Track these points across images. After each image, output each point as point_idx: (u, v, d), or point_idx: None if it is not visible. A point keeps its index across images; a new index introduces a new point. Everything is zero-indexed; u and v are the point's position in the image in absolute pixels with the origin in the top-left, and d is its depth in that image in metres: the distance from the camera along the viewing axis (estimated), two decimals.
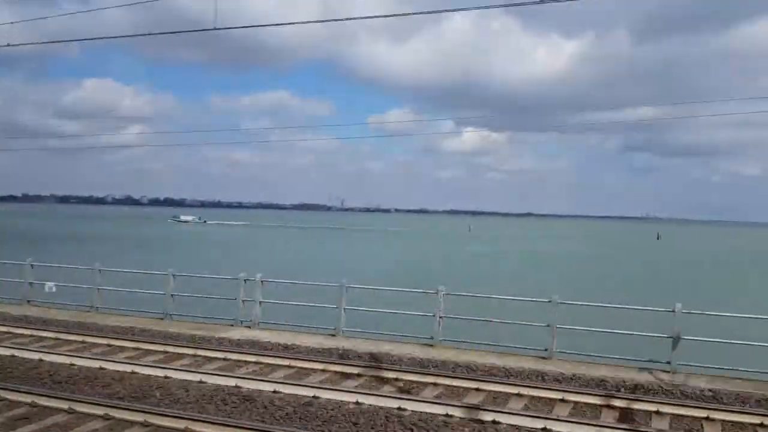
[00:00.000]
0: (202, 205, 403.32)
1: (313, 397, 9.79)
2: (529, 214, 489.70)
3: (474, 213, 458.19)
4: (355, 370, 11.52)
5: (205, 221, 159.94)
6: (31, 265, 18.37)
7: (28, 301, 18.13)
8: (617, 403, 9.84)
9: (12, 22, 15.15)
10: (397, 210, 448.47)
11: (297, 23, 11.56)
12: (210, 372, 11.01)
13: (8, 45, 15.06)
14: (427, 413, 9.02)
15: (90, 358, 11.78)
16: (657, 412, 9.50)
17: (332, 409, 9.21)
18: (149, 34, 18.41)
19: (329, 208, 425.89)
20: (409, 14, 10.75)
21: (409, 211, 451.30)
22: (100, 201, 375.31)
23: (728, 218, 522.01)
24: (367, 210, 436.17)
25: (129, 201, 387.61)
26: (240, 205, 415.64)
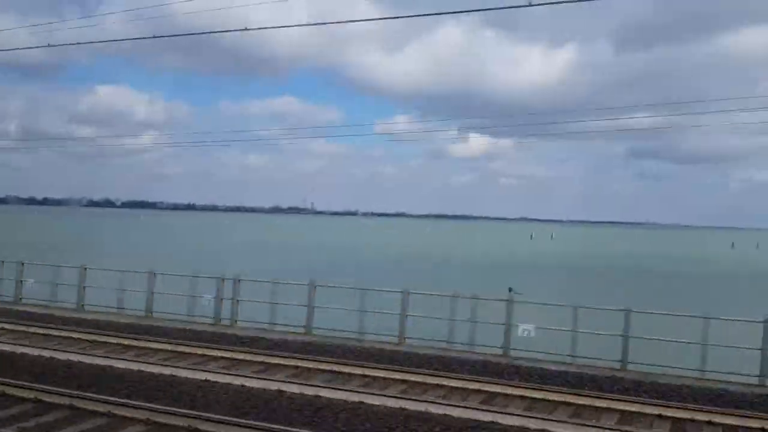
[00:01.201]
0: (175, 207, 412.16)
1: None
2: (523, 219, 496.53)
3: (456, 217, 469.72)
4: None
5: None
6: None
7: None
8: None
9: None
10: (364, 213, 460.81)
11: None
12: None
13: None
14: None
15: None
16: None
17: None
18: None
19: (300, 211, 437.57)
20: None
21: (383, 214, 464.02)
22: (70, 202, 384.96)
23: (736, 224, 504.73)
24: (335, 213, 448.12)
25: (105, 203, 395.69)
26: (214, 208, 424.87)
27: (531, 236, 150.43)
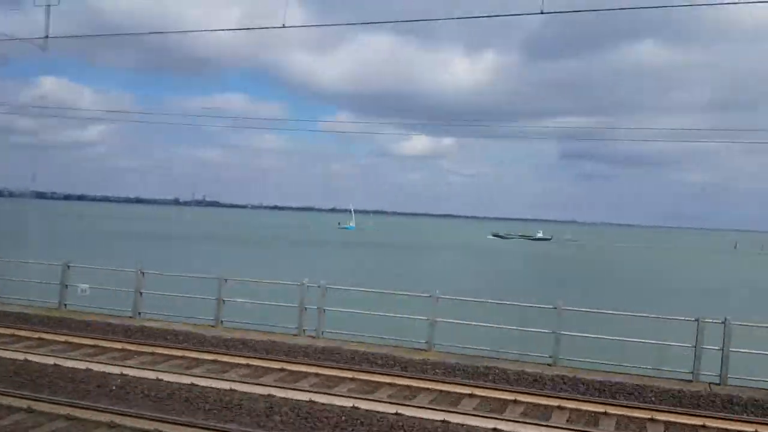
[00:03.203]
0: (67, 198, 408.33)
1: None
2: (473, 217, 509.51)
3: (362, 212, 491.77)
4: None
5: None
6: None
7: None
8: None
9: None
10: (253, 206, 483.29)
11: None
12: None
13: None
14: None
15: None
16: None
17: None
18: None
19: (197, 203, 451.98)
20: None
21: (280, 208, 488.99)
22: None
23: (665, 224, 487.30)
24: (234, 206, 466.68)
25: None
26: (107, 199, 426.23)
27: None
